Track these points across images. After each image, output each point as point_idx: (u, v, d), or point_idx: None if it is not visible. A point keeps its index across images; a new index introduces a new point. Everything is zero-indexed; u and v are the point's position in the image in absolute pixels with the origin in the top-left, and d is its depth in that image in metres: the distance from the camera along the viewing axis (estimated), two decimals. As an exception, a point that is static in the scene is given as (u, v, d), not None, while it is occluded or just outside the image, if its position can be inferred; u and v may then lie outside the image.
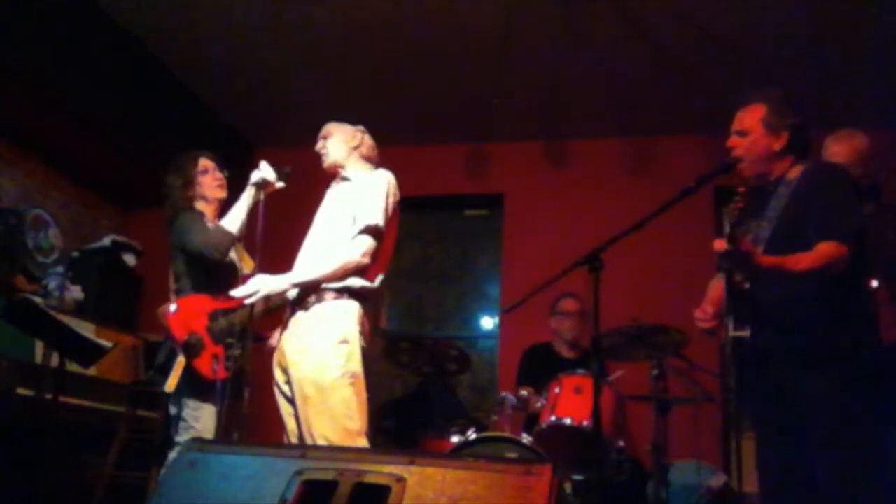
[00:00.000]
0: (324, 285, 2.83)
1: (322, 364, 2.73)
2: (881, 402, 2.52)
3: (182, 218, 3.19)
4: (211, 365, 2.98)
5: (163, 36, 4.67)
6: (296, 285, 2.86)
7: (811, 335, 2.41)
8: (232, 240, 3.14)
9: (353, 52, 4.70)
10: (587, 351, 4.15)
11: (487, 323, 5.87)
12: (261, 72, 4.99)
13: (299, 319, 2.86)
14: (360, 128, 3.20)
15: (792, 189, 2.55)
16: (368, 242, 2.86)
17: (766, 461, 2.56)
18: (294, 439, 2.82)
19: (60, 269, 4.55)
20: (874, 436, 2.49)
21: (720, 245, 2.29)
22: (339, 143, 3.13)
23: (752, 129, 2.60)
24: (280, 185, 3.16)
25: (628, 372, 3.86)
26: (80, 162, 5.14)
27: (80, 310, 4.55)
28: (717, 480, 3.92)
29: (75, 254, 4.97)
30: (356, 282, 2.85)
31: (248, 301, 2.83)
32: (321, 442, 2.66)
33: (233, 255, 3.23)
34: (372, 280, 2.90)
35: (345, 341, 2.77)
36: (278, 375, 2.91)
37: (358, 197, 2.95)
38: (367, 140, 3.18)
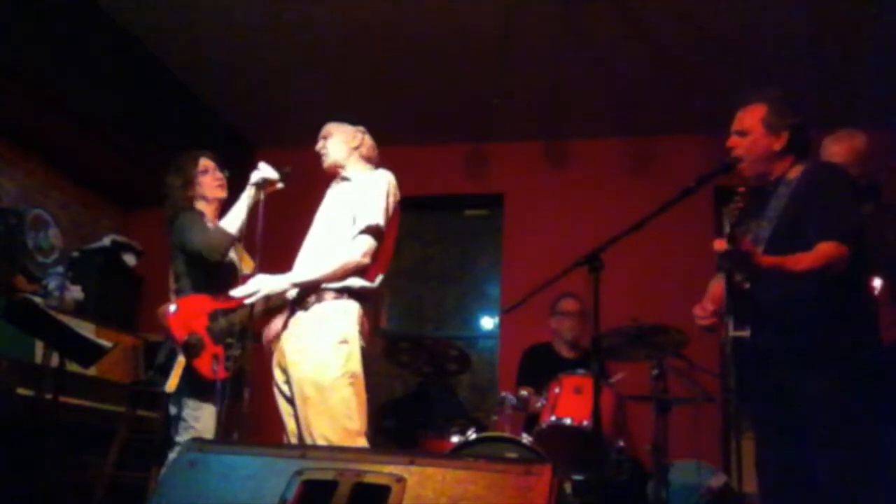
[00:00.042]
0: (324, 285, 2.83)
1: (322, 364, 2.73)
2: (881, 402, 2.51)
3: (182, 218, 3.19)
4: (211, 365, 2.98)
5: (163, 36, 4.67)
6: (296, 285, 2.86)
7: (811, 335, 2.41)
8: (231, 240, 3.14)
9: (353, 52, 4.70)
10: (587, 351, 4.15)
11: (487, 323, 5.87)
12: (261, 72, 4.99)
13: (299, 319, 2.86)
14: (361, 128, 3.20)
15: (792, 189, 2.55)
16: (369, 242, 2.86)
17: (766, 461, 2.56)
18: (294, 439, 2.82)
19: (60, 269, 4.55)
20: (874, 436, 2.49)
21: (720, 245, 2.29)
22: (340, 144, 3.13)
23: (752, 129, 2.60)
24: (279, 185, 3.16)
25: (628, 372, 3.86)
26: (80, 162, 5.14)
27: (80, 310, 4.55)
28: (717, 480, 3.92)
29: (75, 254, 4.97)
30: (356, 282, 2.85)
31: (248, 301, 2.83)
32: (321, 442, 2.65)
33: (232, 255, 3.23)
34: (372, 280, 2.90)
35: (344, 341, 2.77)
36: (278, 375, 2.91)
37: (358, 197, 2.95)
38: (368, 140, 3.18)
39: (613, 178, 5.43)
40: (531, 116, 5.32)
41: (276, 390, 2.92)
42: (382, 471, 1.78)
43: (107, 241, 5.19)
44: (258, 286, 2.78)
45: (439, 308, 5.95)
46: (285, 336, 2.89)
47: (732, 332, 2.45)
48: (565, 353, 4.47)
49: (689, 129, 5.18)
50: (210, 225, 3.20)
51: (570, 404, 3.62)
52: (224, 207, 3.32)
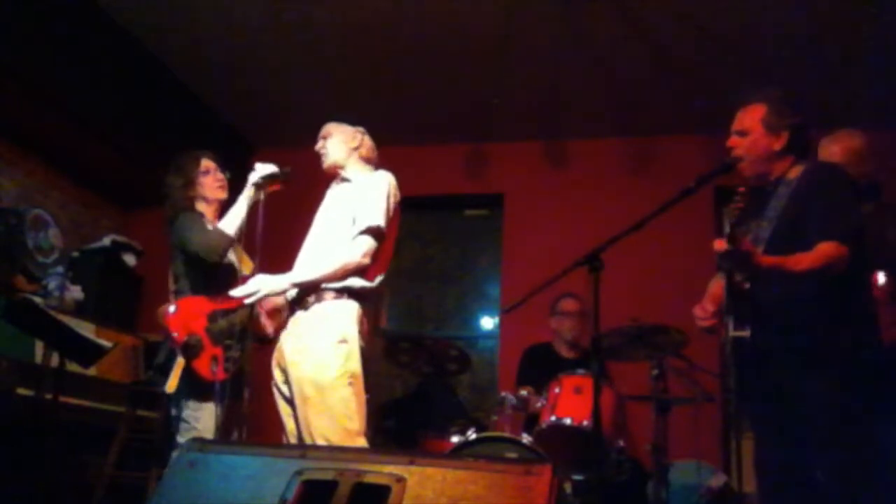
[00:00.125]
0: (323, 285, 2.83)
1: (321, 364, 2.73)
2: (881, 402, 2.52)
3: (182, 218, 3.18)
4: (210, 366, 2.97)
5: (163, 36, 4.67)
6: (296, 285, 2.85)
7: (811, 335, 2.41)
8: (230, 242, 3.13)
9: (353, 52, 4.70)
10: (587, 351, 4.15)
11: (487, 323, 5.87)
12: (261, 72, 4.99)
13: (298, 319, 2.86)
14: (360, 129, 3.20)
15: (792, 189, 2.55)
16: (369, 243, 2.86)
17: (766, 461, 2.56)
18: (293, 440, 2.82)
19: (60, 269, 4.55)
20: (874, 436, 2.49)
21: (720, 245, 2.29)
22: (339, 144, 3.13)
23: (752, 129, 2.60)
24: (279, 186, 3.16)
25: (628, 372, 3.86)
26: (80, 162, 5.15)
27: (80, 310, 4.56)
28: (717, 480, 3.92)
29: (75, 254, 4.97)
30: (356, 282, 2.85)
31: (247, 301, 2.83)
32: (321, 442, 2.65)
33: (231, 256, 3.22)
34: (372, 280, 2.90)
35: (344, 341, 2.77)
36: (277, 375, 2.91)
37: (358, 198, 2.94)
38: (367, 141, 3.18)
39: (613, 178, 5.43)
40: (531, 116, 5.32)
41: (275, 391, 2.92)
42: (382, 471, 1.78)
43: (107, 241, 5.19)
44: (258, 286, 2.78)
45: (439, 308, 5.96)
46: (285, 336, 2.89)
47: (732, 332, 2.45)
48: (565, 353, 4.47)
49: (689, 129, 5.18)
50: (209, 226, 3.20)
51: (570, 404, 3.62)
52: (224, 208, 3.32)
